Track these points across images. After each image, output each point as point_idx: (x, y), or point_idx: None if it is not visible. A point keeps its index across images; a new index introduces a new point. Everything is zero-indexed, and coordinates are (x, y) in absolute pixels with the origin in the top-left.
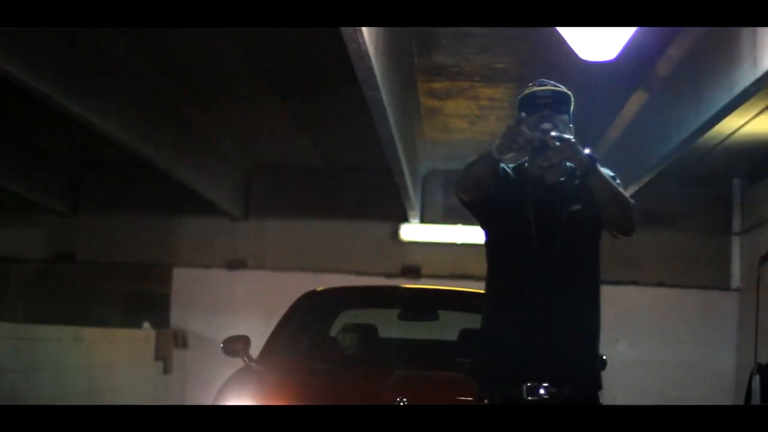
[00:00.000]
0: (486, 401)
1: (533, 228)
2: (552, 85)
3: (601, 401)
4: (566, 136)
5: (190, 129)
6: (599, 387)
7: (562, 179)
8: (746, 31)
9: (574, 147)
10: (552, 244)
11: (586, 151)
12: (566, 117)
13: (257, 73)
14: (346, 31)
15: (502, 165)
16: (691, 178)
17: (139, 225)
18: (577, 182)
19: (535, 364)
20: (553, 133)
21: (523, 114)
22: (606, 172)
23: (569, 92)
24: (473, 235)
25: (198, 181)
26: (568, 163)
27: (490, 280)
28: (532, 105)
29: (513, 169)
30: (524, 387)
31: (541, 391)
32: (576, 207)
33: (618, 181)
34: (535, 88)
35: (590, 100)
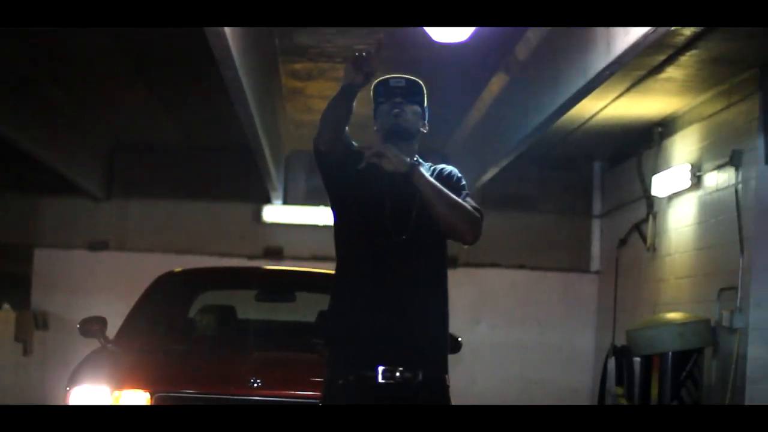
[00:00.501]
0: (340, 382)
1: (387, 212)
2: (403, 77)
3: (448, 384)
4: (395, 154)
5: (51, 109)
6: (445, 371)
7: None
8: None
9: (391, 152)
10: (404, 229)
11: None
12: (417, 107)
13: (119, 52)
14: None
15: (358, 149)
16: (552, 162)
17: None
18: (428, 170)
19: (386, 348)
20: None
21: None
22: (454, 173)
23: (422, 83)
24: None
25: (60, 162)
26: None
27: (342, 263)
28: (385, 93)
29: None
30: (379, 370)
31: (397, 374)
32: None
33: (464, 186)
34: (389, 76)
35: (451, 83)
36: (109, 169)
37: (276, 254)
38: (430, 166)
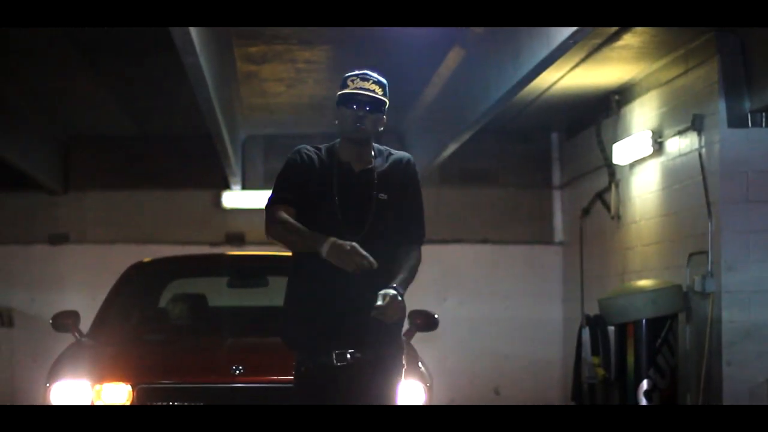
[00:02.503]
0: (303, 369)
1: (338, 211)
2: (373, 82)
3: (403, 362)
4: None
5: (2, 102)
6: (399, 349)
7: (370, 167)
8: None
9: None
10: (359, 227)
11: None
12: (380, 115)
13: (68, 42)
14: None
15: (311, 147)
16: (510, 135)
17: None
18: (384, 170)
19: (337, 334)
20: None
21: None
22: (410, 169)
23: (385, 97)
24: None
25: (14, 156)
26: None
27: (297, 258)
28: (352, 98)
29: (325, 150)
30: (333, 354)
31: (348, 356)
32: (383, 196)
33: (418, 182)
34: (357, 90)
35: (406, 59)
36: (65, 162)
37: (238, 240)
38: (388, 155)
